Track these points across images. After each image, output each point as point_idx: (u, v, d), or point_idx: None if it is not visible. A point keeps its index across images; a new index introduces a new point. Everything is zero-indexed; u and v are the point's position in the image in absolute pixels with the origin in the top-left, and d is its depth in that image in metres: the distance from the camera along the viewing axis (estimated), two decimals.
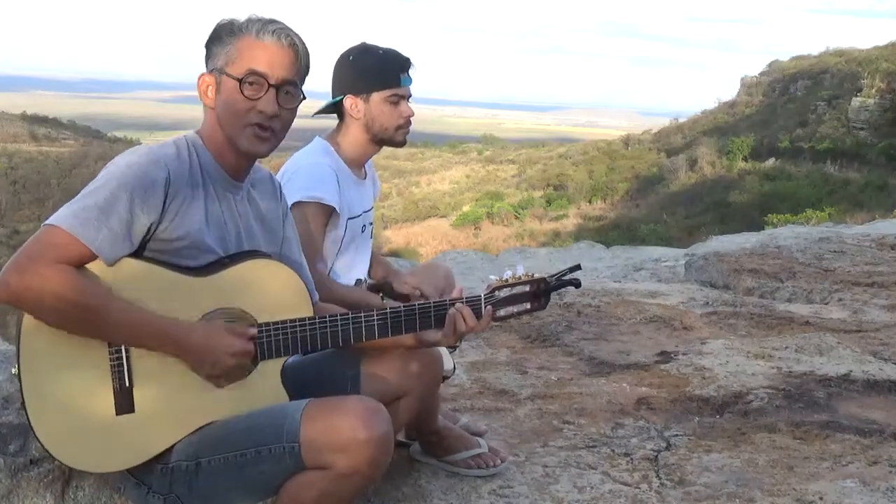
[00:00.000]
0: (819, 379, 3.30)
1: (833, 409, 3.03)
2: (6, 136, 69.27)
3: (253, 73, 1.69)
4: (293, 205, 2.26)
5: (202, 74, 1.76)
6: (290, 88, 1.74)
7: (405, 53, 2.39)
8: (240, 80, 1.70)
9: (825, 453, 2.64)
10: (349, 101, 2.37)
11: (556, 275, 1.98)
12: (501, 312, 1.94)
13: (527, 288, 1.94)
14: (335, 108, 2.42)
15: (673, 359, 3.58)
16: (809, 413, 2.99)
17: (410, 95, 2.41)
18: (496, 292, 1.92)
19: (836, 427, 2.84)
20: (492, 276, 1.99)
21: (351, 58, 2.37)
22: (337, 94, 2.39)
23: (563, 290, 2.11)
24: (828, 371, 3.38)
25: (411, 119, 2.41)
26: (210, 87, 1.75)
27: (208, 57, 1.76)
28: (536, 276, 1.96)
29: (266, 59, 1.70)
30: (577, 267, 2.01)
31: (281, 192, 1.99)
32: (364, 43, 2.40)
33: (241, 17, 1.75)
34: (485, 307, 1.92)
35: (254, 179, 1.89)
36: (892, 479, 2.45)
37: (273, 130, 1.75)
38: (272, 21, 1.73)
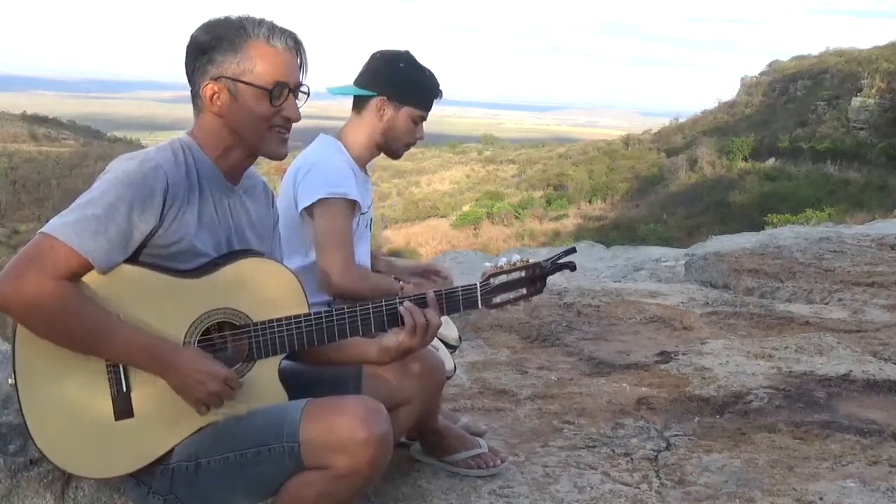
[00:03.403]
0: (819, 379, 3.30)
1: (833, 409, 3.03)
2: (6, 136, 69.29)
3: (280, 83, 1.71)
4: (318, 202, 2.28)
5: (208, 82, 1.71)
6: (301, 90, 1.77)
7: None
8: (270, 91, 1.70)
9: (825, 453, 2.64)
10: (380, 102, 2.39)
11: (550, 258, 1.96)
12: (498, 299, 1.92)
13: (522, 274, 1.93)
14: (357, 98, 2.43)
15: (673, 359, 3.58)
16: (809, 413, 2.99)
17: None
18: (491, 279, 1.91)
19: (836, 427, 2.84)
20: (487, 264, 1.97)
21: (402, 65, 2.40)
22: (371, 88, 2.40)
23: (564, 291, 2.11)
24: (828, 371, 3.38)
25: (418, 140, 2.50)
26: (218, 95, 1.71)
27: (208, 63, 1.70)
28: (532, 261, 1.95)
29: (283, 66, 1.72)
30: (572, 250, 2.00)
31: (273, 201, 1.99)
32: (411, 54, 2.43)
33: (233, 17, 1.72)
34: (481, 296, 1.89)
35: (246, 186, 1.88)
36: (892, 479, 2.45)
37: (289, 130, 1.79)
38: (272, 23, 1.73)
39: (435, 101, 2.46)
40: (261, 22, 1.71)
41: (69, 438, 1.64)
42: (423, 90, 2.42)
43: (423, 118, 2.45)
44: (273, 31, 1.71)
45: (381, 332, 1.87)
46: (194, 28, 1.74)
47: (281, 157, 1.81)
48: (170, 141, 1.78)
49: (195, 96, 1.75)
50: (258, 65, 1.69)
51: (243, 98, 1.71)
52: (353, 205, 2.32)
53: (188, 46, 1.73)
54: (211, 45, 1.70)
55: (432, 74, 2.44)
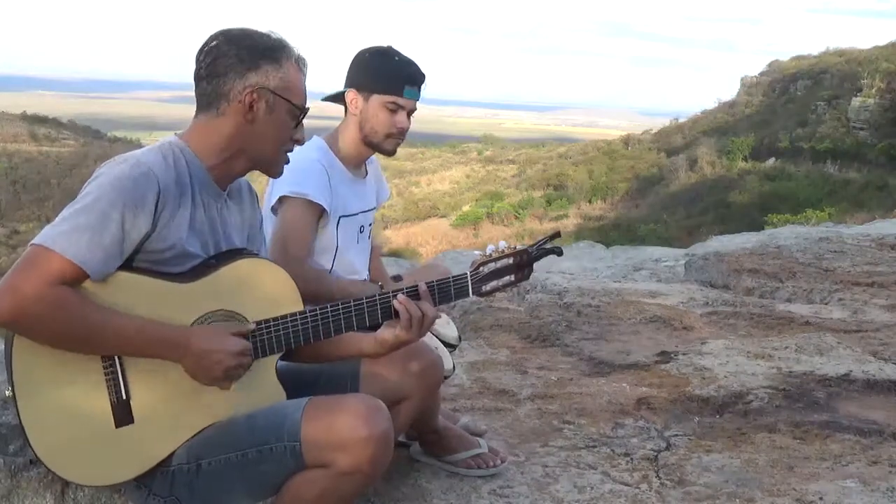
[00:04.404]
0: (819, 379, 3.30)
1: (833, 409, 3.03)
2: (6, 136, 69.35)
3: (305, 108, 1.80)
4: (279, 199, 2.26)
5: (249, 88, 1.70)
6: None
7: (418, 65, 2.36)
8: (302, 111, 1.78)
9: (825, 453, 2.64)
10: (350, 95, 2.37)
11: (536, 244, 2.00)
12: (488, 287, 1.95)
13: (510, 261, 1.96)
14: (340, 98, 2.42)
15: (673, 359, 3.58)
16: (809, 413, 2.99)
17: (414, 110, 2.40)
18: (481, 268, 1.93)
19: (836, 427, 2.84)
20: (476, 252, 2.00)
21: (367, 55, 2.36)
22: (345, 85, 2.38)
23: (564, 291, 2.12)
24: (828, 371, 3.38)
25: (404, 131, 2.39)
26: (257, 104, 1.72)
27: (250, 70, 1.70)
28: (518, 247, 1.98)
29: (304, 90, 1.80)
30: (557, 234, 2.04)
31: (257, 201, 2.00)
32: (388, 46, 2.38)
33: (265, 33, 1.75)
34: (472, 285, 1.92)
35: (231, 189, 1.88)
36: (892, 479, 2.45)
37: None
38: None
39: (412, 86, 2.34)
40: (287, 44, 1.77)
41: (70, 448, 1.64)
42: (387, 76, 2.33)
43: (399, 105, 2.34)
44: (300, 55, 1.78)
45: (377, 326, 1.88)
46: (210, 34, 1.74)
47: (277, 175, 1.87)
48: (159, 144, 1.76)
49: (217, 99, 1.72)
50: (292, 85, 1.75)
51: (278, 112, 1.75)
52: (314, 207, 2.26)
53: (220, 50, 1.70)
54: (254, 54, 1.71)
55: (404, 60, 2.34)
